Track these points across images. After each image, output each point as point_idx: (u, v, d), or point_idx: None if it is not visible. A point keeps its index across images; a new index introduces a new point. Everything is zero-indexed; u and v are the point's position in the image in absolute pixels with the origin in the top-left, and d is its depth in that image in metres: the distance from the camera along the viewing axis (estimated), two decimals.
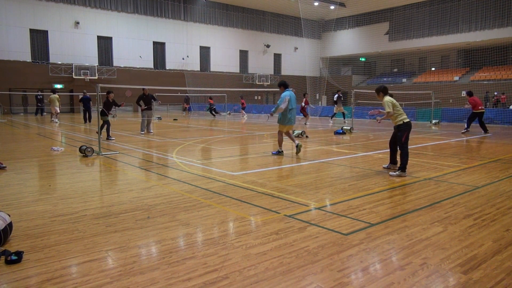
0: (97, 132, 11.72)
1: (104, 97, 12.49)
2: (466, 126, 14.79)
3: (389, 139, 7.29)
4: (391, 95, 7.05)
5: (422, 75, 40.71)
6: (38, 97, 28.31)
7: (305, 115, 19.18)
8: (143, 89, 14.33)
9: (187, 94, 31.93)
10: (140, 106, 14.27)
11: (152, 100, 14.66)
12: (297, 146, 9.06)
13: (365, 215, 4.41)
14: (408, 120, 6.82)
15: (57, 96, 21.66)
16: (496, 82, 32.76)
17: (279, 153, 9.08)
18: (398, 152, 6.91)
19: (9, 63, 29.79)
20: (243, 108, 29.56)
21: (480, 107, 14.41)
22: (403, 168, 6.64)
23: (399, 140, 6.81)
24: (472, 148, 10.27)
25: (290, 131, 9.33)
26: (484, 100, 30.80)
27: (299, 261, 3.17)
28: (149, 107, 14.43)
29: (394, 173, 6.66)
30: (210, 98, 28.68)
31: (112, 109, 14.24)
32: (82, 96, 20.95)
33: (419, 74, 41.47)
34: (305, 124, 18.75)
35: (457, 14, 35.28)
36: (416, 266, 3.08)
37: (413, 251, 3.38)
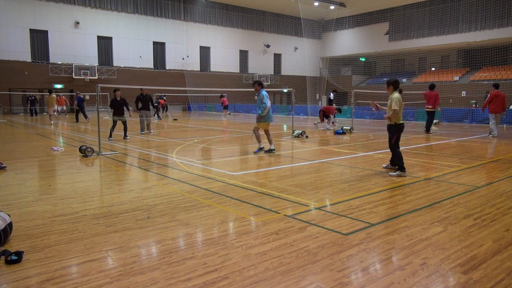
0: (110, 139, 12.05)
1: (111, 96, 12.59)
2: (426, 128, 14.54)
3: (388, 140, 7.21)
4: (400, 91, 6.95)
5: (422, 75, 40.69)
6: (30, 98, 28.18)
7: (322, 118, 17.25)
8: (141, 89, 14.25)
9: (161, 94, 29.78)
10: (138, 107, 14.21)
11: (150, 101, 14.58)
12: (272, 150, 9.25)
13: (365, 215, 4.41)
14: (402, 121, 6.79)
15: (54, 96, 21.49)
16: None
17: (261, 149, 9.30)
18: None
19: (9, 63, 29.80)
20: (225, 107, 28.07)
21: (427, 106, 14.28)
22: (401, 168, 6.62)
23: (390, 142, 6.79)
24: (472, 148, 10.26)
25: (268, 131, 9.44)
26: (484, 100, 30.77)
27: (299, 261, 3.17)
28: (147, 107, 14.28)
29: (394, 174, 6.65)
30: (162, 98, 27.74)
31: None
32: (76, 96, 22.25)
33: (419, 74, 41.46)
34: (316, 123, 17.66)
35: (457, 14, 35.27)
36: (416, 266, 3.08)
37: (413, 251, 3.38)
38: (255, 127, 9.38)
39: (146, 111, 14.30)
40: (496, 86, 13.64)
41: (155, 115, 24.61)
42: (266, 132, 9.38)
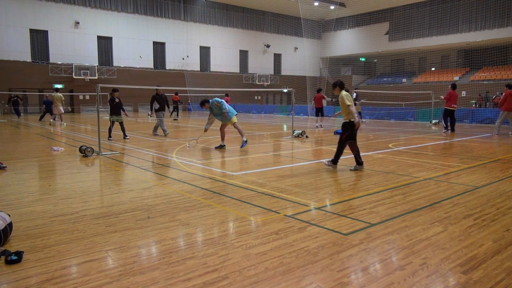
0: (110, 139, 12.10)
1: (109, 96, 12.57)
2: (444, 125, 14.90)
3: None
4: (347, 90, 7.15)
5: (422, 75, 40.71)
6: (12, 99, 26.91)
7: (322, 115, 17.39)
8: (157, 89, 13.91)
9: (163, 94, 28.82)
10: (154, 108, 13.66)
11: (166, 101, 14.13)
12: (245, 142, 10.22)
13: (365, 215, 4.41)
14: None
15: (61, 95, 20.31)
16: (496, 82, 32.75)
17: (245, 142, 10.16)
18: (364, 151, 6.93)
19: (9, 63, 29.79)
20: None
21: (453, 105, 14.32)
22: (335, 161, 6.92)
23: (340, 136, 6.94)
24: (472, 148, 10.26)
25: (237, 125, 10.24)
26: (485, 100, 30.82)
27: (299, 261, 3.17)
28: (163, 108, 13.77)
29: (326, 162, 6.99)
30: (176, 93, 26.23)
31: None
32: (45, 99, 23.33)
33: (419, 74, 41.47)
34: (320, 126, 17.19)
35: (457, 14, 35.28)
36: (416, 266, 3.08)
37: (413, 251, 3.38)
38: (234, 123, 10.08)
39: (162, 112, 13.75)
40: (509, 86, 13.87)
41: (172, 114, 24.49)
42: (222, 128, 10.24)
